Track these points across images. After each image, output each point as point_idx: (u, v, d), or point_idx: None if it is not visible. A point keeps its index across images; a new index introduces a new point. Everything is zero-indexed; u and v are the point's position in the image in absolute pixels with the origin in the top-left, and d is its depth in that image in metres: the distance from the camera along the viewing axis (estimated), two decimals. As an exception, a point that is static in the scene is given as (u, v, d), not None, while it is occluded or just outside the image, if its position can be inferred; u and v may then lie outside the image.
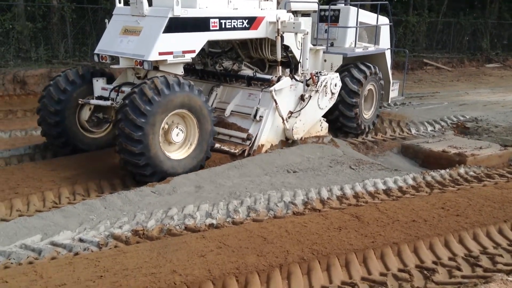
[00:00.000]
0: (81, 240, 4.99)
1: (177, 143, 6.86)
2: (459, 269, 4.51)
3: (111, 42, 7.24)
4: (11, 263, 4.46)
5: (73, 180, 6.64)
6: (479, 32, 24.10)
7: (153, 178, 6.52)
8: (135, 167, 6.42)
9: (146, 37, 6.84)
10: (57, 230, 5.19)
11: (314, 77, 8.46)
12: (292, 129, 8.27)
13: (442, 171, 7.46)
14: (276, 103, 7.97)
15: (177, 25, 6.86)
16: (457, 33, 23.63)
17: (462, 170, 7.55)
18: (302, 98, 8.45)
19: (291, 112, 8.35)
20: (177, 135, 6.78)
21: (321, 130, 9.08)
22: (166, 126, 6.68)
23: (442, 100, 14.26)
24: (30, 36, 14.50)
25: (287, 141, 8.48)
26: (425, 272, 4.48)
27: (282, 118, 8.12)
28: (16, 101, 12.17)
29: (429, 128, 11.21)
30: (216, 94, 8.60)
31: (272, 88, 7.93)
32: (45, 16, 14.91)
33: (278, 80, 8.16)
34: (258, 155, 7.78)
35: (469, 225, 5.28)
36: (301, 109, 8.40)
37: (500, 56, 23.84)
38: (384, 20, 11.13)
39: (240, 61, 8.78)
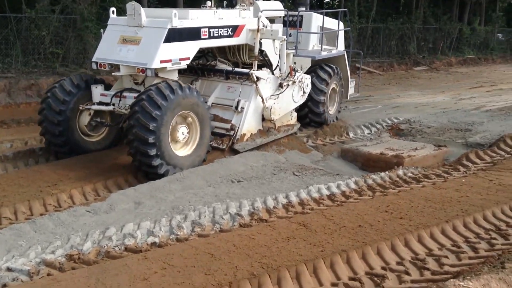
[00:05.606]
0: (9, 269, 4.55)
1: (181, 141, 7.47)
2: (408, 273, 4.51)
3: (109, 50, 7.70)
4: None
5: (-2, 203, 6.10)
6: (406, 36, 25.15)
7: (160, 170, 7.00)
8: (145, 156, 6.87)
9: (146, 46, 7.39)
10: (-19, 260, 4.70)
11: (292, 71, 9.34)
12: (271, 109, 8.90)
13: (382, 174, 7.58)
14: (257, 85, 8.61)
15: (174, 35, 7.49)
16: (386, 38, 24.53)
17: (400, 172, 7.71)
18: (280, 85, 9.26)
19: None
20: (182, 133, 7.40)
21: (291, 119, 10.05)
22: (173, 126, 7.23)
23: (376, 103, 14.66)
24: None
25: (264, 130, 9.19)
26: (375, 278, 4.44)
27: (262, 98, 8.78)
28: None
29: (366, 131, 11.44)
30: (195, 87, 8.91)
31: (252, 71, 8.53)
32: (-37, 25, 13.86)
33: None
34: (200, 167, 7.57)
35: (413, 227, 5.33)
36: (280, 93, 9.20)
37: (427, 59, 24.99)
38: (340, 25, 12.05)
39: (215, 58, 9.47)
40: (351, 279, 4.45)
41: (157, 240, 5.13)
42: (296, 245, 4.85)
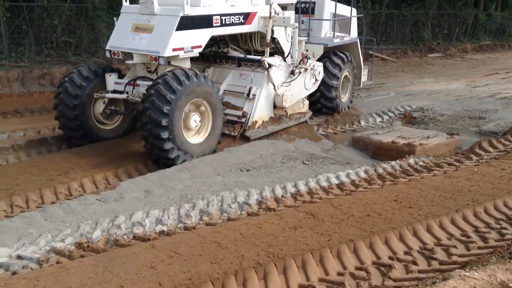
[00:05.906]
0: (19, 257, 4.62)
1: (193, 129, 7.54)
2: (415, 264, 4.48)
3: (122, 39, 7.80)
4: None
5: (10, 191, 6.17)
6: (420, 23, 24.72)
7: (171, 154, 7.05)
8: (157, 139, 6.92)
9: (159, 34, 7.47)
10: (-7, 247, 4.78)
11: (305, 58, 9.30)
12: (282, 96, 8.91)
13: (393, 163, 7.51)
14: (268, 72, 8.60)
15: (187, 23, 7.54)
16: (400, 24, 24.15)
17: (412, 161, 7.63)
18: (292, 72, 9.23)
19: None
20: (194, 121, 7.47)
21: (303, 107, 10.00)
22: (186, 113, 7.31)
23: (388, 91, 14.50)
24: (-40, 36, 13.53)
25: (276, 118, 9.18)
26: (382, 268, 4.42)
27: (274, 85, 8.77)
28: None
29: (378, 119, 11.34)
30: (208, 74, 9.03)
31: (264, 58, 8.53)
32: (-24, 15, 13.94)
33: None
34: (209, 155, 7.58)
35: (422, 217, 5.28)
36: (291, 80, 9.19)
37: (441, 45, 24.58)
38: (353, 11, 11.98)
39: (227, 45, 9.46)
40: (357, 268, 4.43)
41: (165, 228, 5.16)
42: (303, 234, 4.84)
